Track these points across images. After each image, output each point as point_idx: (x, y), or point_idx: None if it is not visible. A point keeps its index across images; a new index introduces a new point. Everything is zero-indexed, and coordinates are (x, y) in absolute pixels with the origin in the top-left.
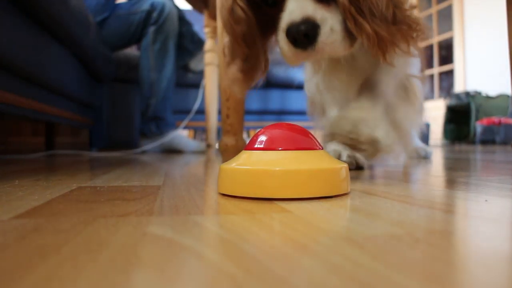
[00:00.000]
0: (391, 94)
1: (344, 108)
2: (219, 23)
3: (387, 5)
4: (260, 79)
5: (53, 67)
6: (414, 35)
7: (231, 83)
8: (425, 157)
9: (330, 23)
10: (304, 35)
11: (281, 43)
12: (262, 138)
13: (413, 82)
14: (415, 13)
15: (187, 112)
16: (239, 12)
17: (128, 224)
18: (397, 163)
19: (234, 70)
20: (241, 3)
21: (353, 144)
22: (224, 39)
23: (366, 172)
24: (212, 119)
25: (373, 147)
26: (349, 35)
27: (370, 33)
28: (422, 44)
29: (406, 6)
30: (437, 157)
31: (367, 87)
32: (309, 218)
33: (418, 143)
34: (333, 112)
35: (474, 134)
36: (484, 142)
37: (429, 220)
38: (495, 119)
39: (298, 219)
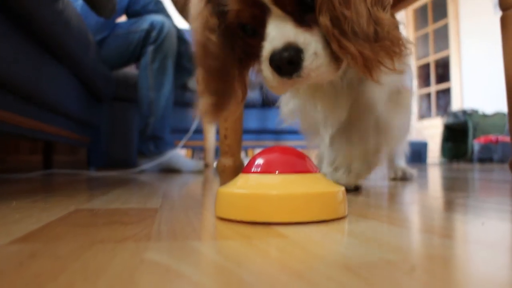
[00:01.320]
0: (381, 106)
1: (330, 147)
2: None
3: (367, 23)
4: (238, 106)
5: (52, 86)
6: (397, 50)
7: (202, 114)
8: (403, 179)
9: (313, 47)
10: (288, 62)
11: (265, 72)
12: (259, 161)
13: (404, 93)
14: (396, 28)
15: (185, 131)
16: (213, 48)
17: (125, 250)
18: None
19: (205, 103)
20: (214, 39)
21: None
22: (198, 68)
23: (363, 193)
24: (210, 139)
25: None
26: (335, 58)
27: (355, 53)
28: (408, 59)
29: (386, 22)
30: (436, 177)
31: (354, 114)
32: (305, 243)
33: (401, 163)
34: (327, 136)
35: (472, 152)
36: (482, 160)
37: (426, 245)
38: (492, 137)
39: (295, 244)
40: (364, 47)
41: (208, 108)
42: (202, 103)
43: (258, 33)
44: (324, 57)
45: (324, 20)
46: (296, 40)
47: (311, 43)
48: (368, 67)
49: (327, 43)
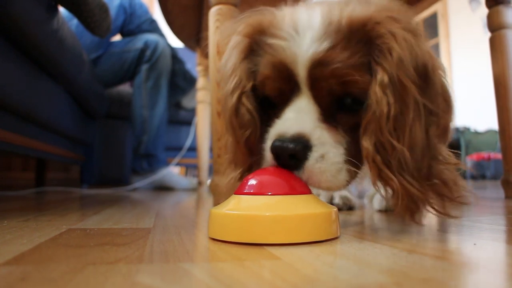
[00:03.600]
0: None
1: None
2: (211, 69)
3: (422, 156)
4: None
5: (46, 104)
6: (449, 194)
7: (226, 191)
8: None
9: (325, 149)
10: (290, 155)
11: (266, 152)
12: (252, 182)
13: None
14: (453, 168)
15: (179, 149)
16: (245, 113)
17: (117, 273)
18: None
19: (233, 178)
20: (247, 103)
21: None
22: (227, 136)
23: (357, 213)
24: (204, 156)
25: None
26: (349, 171)
27: (399, 190)
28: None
29: (444, 159)
30: None
31: None
32: (298, 265)
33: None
34: None
35: (465, 169)
36: (474, 177)
37: (417, 267)
38: (484, 154)
39: (287, 267)
40: (410, 184)
41: (235, 185)
42: (229, 179)
43: (277, 106)
44: (333, 165)
45: (367, 143)
46: (309, 134)
47: (324, 144)
48: (411, 206)
49: (348, 151)
